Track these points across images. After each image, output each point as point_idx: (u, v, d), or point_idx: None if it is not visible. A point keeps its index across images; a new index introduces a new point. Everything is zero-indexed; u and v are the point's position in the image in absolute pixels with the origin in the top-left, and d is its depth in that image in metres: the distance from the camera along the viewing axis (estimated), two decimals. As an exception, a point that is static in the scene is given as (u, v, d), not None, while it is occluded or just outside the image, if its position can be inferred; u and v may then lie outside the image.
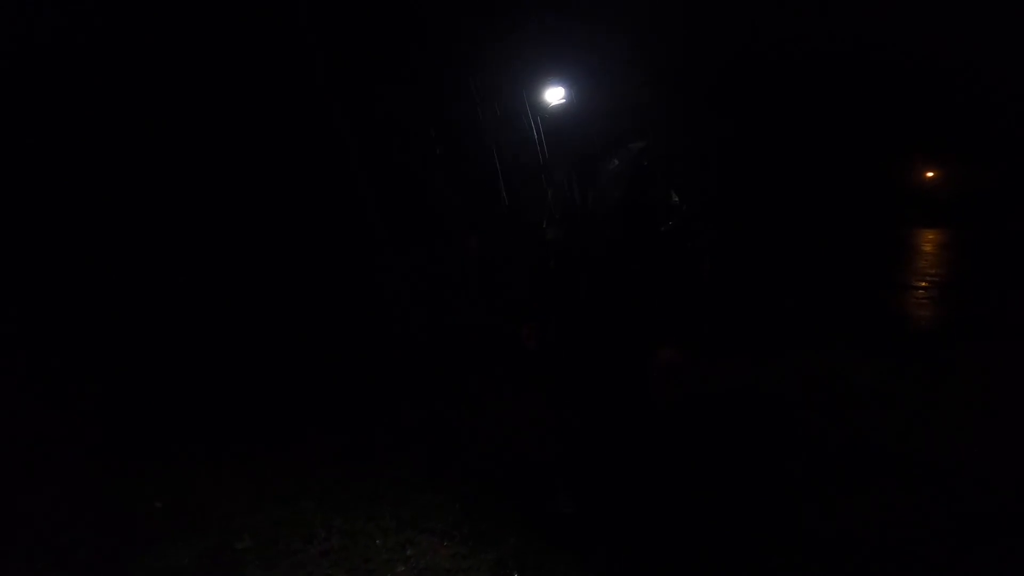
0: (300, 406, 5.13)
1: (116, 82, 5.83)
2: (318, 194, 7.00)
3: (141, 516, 3.47)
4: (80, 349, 5.68)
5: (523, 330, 3.07)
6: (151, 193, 6.25)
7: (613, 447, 2.91)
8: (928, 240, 17.14)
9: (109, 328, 5.89)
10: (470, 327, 6.73)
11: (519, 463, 3.72)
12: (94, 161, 6.05)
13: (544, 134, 8.36)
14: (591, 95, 3.05)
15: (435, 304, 7.04)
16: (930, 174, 28.67)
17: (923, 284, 10.18)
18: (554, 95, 8.41)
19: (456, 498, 3.40)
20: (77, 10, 5.46)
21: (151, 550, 3.14)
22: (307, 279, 6.80)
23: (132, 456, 4.24)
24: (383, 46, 7.48)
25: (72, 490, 3.81)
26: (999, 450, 3.61)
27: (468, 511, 3.27)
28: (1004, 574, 2.65)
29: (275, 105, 6.63)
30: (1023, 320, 7.11)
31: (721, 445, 3.92)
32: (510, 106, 8.46)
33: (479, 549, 2.93)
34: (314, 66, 6.70)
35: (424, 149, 7.57)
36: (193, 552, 3.12)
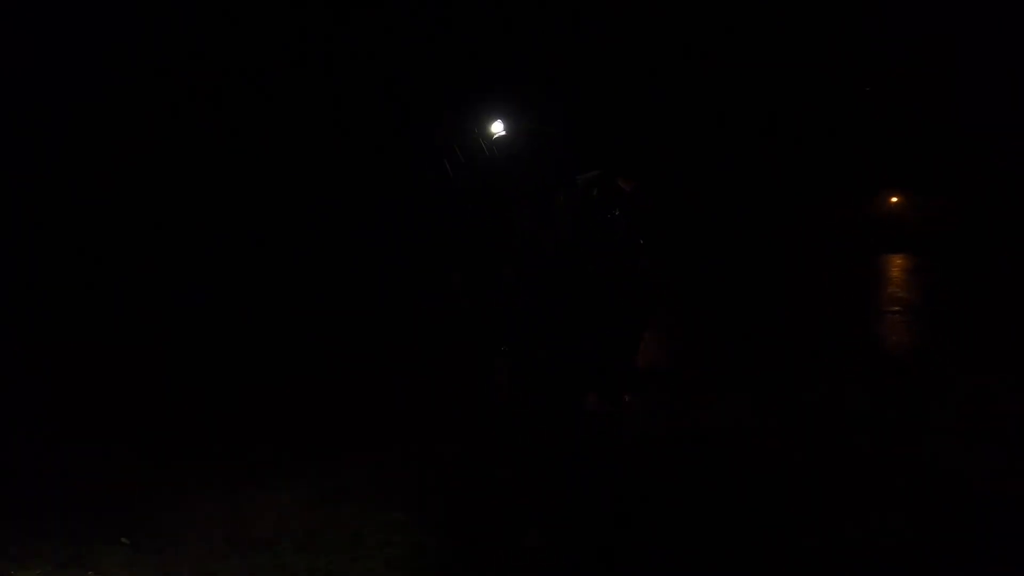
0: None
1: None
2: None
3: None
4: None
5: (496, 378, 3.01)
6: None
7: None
8: (896, 265, 17.89)
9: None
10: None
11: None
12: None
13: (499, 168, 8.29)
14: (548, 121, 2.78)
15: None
16: (894, 199, 29.71)
17: (896, 309, 10.79)
18: (498, 126, 8.00)
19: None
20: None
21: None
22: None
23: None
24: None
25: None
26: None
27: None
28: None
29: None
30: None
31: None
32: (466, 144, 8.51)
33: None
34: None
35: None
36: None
